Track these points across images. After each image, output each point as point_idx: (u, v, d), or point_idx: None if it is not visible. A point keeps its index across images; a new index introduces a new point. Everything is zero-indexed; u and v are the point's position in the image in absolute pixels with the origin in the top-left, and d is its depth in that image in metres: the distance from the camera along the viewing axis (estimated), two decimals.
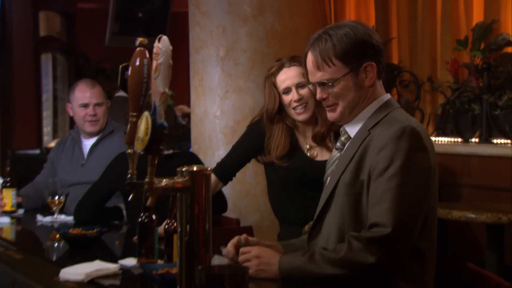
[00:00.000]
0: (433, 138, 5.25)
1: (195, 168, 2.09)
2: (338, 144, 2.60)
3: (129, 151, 2.13)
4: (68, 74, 11.77)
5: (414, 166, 2.34)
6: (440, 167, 4.96)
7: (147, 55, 2.09)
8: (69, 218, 3.79)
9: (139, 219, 2.73)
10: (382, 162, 2.34)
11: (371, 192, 2.37)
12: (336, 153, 2.60)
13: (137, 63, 2.08)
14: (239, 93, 5.00)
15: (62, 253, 3.09)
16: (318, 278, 2.34)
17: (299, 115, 3.49)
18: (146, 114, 2.01)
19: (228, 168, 3.62)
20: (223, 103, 5.01)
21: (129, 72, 2.08)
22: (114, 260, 2.71)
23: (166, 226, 2.66)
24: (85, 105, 4.17)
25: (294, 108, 3.48)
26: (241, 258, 2.45)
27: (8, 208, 3.94)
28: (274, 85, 3.52)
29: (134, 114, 2.10)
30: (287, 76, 3.53)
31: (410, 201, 2.34)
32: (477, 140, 4.95)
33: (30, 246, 3.23)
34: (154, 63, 2.02)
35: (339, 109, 2.50)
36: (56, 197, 3.77)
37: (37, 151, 9.56)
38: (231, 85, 5.01)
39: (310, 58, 2.52)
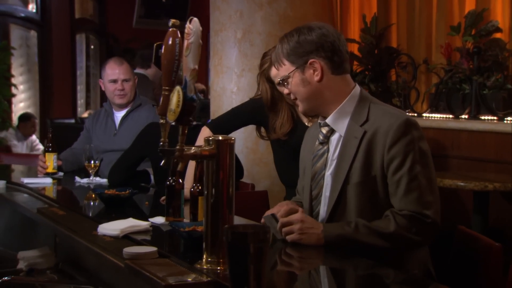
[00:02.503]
0: (426, 115, 5.24)
1: (220, 138, 2.08)
2: (320, 137, 2.52)
3: (161, 121, 2.12)
4: (99, 52, 11.77)
5: (424, 153, 2.37)
6: (433, 140, 4.98)
7: (179, 35, 2.08)
8: (103, 180, 3.79)
9: (167, 183, 2.73)
10: (398, 158, 2.31)
11: (393, 185, 2.34)
12: (321, 147, 2.52)
13: (170, 42, 2.06)
14: (254, 72, 4.94)
15: (98, 211, 3.09)
16: (362, 247, 2.30)
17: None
18: (177, 88, 2.00)
19: (222, 130, 3.47)
20: (239, 80, 5.00)
21: (163, 50, 2.06)
22: (144, 218, 2.71)
23: (192, 189, 2.65)
24: (114, 81, 4.17)
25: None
26: (283, 220, 2.34)
27: (50, 170, 3.95)
28: (268, 79, 3.47)
29: (167, 88, 2.08)
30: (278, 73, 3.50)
31: (431, 184, 2.37)
32: (466, 116, 4.92)
33: (71, 204, 3.23)
34: (186, 42, 2.01)
35: (299, 103, 2.54)
36: (92, 162, 3.77)
37: (72, 121, 9.58)
38: (247, 64, 4.99)
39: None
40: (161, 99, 2.09)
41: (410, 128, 2.36)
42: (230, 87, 5.01)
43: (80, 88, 11.43)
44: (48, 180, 3.79)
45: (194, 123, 3.66)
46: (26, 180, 3.73)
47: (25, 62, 10.37)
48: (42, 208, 3.05)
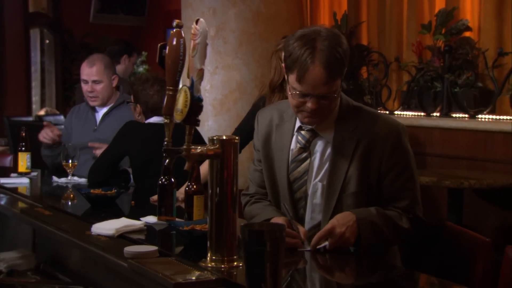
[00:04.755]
0: (398, 112, 5.36)
1: (224, 137, 2.15)
2: (302, 141, 2.51)
3: (165, 121, 2.16)
4: (54, 48, 11.64)
5: (412, 155, 2.51)
6: None
7: (183, 35, 2.13)
8: (82, 180, 3.81)
9: (159, 181, 2.76)
10: (398, 166, 2.43)
11: (388, 186, 2.45)
12: (302, 152, 2.51)
13: (174, 43, 2.11)
14: (227, 69, 5.05)
15: (84, 211, 3.11)
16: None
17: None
18: (185, 88, 2.06)
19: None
20: (213, 78, 5.07)
21: (167, 50, 2.11)
22: (135, 217, 2.75)
23: (187, 188, 2.70)
24: (85, 81, 4.18)
25: None
26: (320, 234, 2.33)
27: (23, 169, 3.95)
28: (280, 59, 3.60)
29: (171, 88, 2.14)
30: None
31: (418, 185, 2.53)
32: (438, 114, 5.06)
33: (55, 204, 3.24)
34: (192, 43, 2.06)
35: (323, 116, 2.45)
36: (70, 161, 3.78)
37: (30, 118, 9.49)
38: (220, 62, 5.07)
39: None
40: (165, 99, 2.13)
41: (405, 135, 2.50)
42: (203, 85, 4.94)
43: (35, 85, 11.29)
44: (25, 180, 3.80)
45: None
46: (3, 180, 3.72)
47: None
48: (25, 208, 3.07)
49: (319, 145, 2.50)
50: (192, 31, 2.06)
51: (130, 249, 2.26)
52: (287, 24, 5.10)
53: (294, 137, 2.54)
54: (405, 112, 5.30)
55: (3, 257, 3.36)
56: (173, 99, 2.12)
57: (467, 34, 5.09)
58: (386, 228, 2.39)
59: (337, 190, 2.45)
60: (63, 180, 3.79)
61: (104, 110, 4.26)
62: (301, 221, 2.53)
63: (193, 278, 2.00)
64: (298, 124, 2.53)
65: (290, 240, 2.34)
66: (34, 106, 11.15)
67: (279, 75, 3.67)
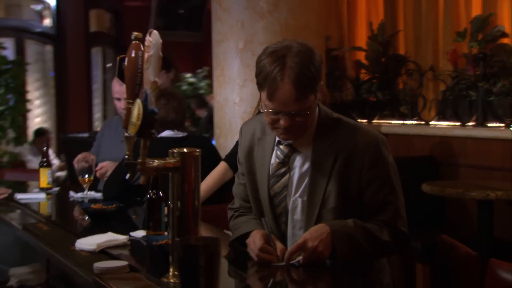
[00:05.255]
0: (434, 122, 5.21)
1: (185, 150, 2.10)
2: (281, 156, 2.42)
3: (126, 134, 2.13)
4: None
5: (395, 169, 2.42)
6: (439, 148, 4.95)
7: (142, 47, 2.09)
8: (98, 195, 3.81)
9: (147, 196, 2.74)
10: (379, 179, 2.33)
11: (369, 200, 2.35)
12: (281, 167, 2.43)
13: (133, 55, 2.08)
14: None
15: (84, 225, 3.11)
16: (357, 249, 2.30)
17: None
18: (138, 101, 2.02)
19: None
20: (242, 91, 5.02)
21: (125, 63, 2.08)
22: (125, 232, 2.72)
23: (148, 196, 2.67)
24: (118, 99, 4.17)
25: None
26: (292, 249, 2.24)
27: (44, 185, 3.99)
28: None
29: (130, 101, 2.10)
30: None
31: (402, 198, 2.41)
32: (473, 123, 4.88)
33: (58, 219, 3.26)
34: (146, 55, 2.03)
35: (300, 132, 2.37)
36: (86, 176, 3.79)
37: (86, 135, 9.69)
38: (249, 74, 5.00)
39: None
40: (125, 112, 2.10)
41: (385, 146, 2.39)
42: (232, 98, 5.04)
43: (97, 102, 11.54)
44: (42, 196, 3.83)
45: (183, 134, 3.72)
46: (19, 196, 3.77)
47: (41, 76, 10.52)
48: (28, 224, 3.09)
49: (298, 160, 2.42)
50: (146, 43, 2.02)
51: (100, 264, 2.23)
52: (316, 35, 5.02)
53: (274, 152, 2.47)
54: (440, 122, 5.14)
55: (14, 272, 3.39)
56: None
57: (504, 40, 4.91)
58: (364, 240, 2.29)
59: (317, 205, 2.37)
60: (79, 195, 3.81)
61: None
62: (283, 237, 2.45)
63: None
64: (277, 138, 2.46)
65: (266, 256, 2.27)
66: (96, 123, 11.39)
67: None
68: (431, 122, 5.19)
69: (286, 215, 2.44)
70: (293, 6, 4.96)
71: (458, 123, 4.98)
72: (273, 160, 2.46)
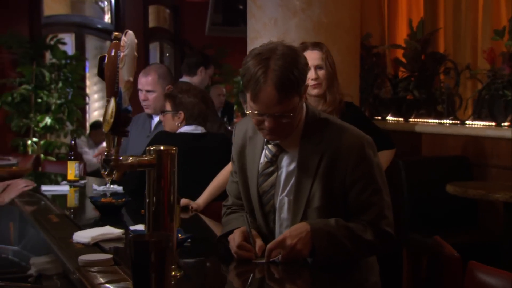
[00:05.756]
0: (469, 122, 5.11)
1: (162, 148, 2.13)
2: (269, 155, 2.44)
3: (106, 132, 2.17)
4: (174, 60, 12.03)
5: (382, 169, 2.42)
6: (472, 149, 4.85)
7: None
8: (120, 188, 3.89)
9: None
10: (362, 179, 2.35)
11: (353, 200, 2.36)
12: (269, 166, 2.45)
13: (112, 54, 2.12)
14: None
15: (92, 218, 3.19)
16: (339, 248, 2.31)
17: (314, 89, 3.71)
18: (112, 99, 2.06)
19: None
20: None
21: (105, 61, 2.13)
22: (126, 226, 2.78)
23: None
24: (140, 90, 4.29)
25: (310, 85, 3.69)
26: (271, 246, 2.27)
27: (71, 177, 4.10)
28: None
29: (109, 99, 2.15)
30: (309, 57, 3.68)
31: (390, 199, 2.41)
32: (508, 124, 4.78)
33: (70, 212, 3.35)
34: (121, 55, 2.07)
35: (285, 134, 2.39)
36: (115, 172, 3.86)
37: None
38: None
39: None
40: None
41: (370, 147, 2.40)
42: None
43: None
44: (65, 188, 3.94)
45: (201, 131, 3.77)
46: (44, 188, 3.88)
47: None
48: (39, 215, 3.18)
49: (285, 160, 2.44)
50: (121, 43, 2.06)
51: (84, 257, 2.29)
52: (349, 33, 4.98)
53: (263, 151, 2.49)
54: (475, 122, 5.04)
55: (34, 262, 3.49)
56: None
57: None
58: (346, 239, 2.30)
59: (302, 204, 2.39)
60: (101, 188, 3.89)
61: (158, 118, 4.35)
62: (272, 234, 2.48)
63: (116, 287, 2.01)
64: None
65: (244, 253, 2.31)
66: None
67: None
68: (466, 122, 5.09)
69: (274, 213, 2.47)
70: (326, 3, 4.93)
71: (493, 123, 4.87)
72: (262, 159, 2.48)
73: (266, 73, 2.22)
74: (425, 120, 5.54)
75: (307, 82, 3.71)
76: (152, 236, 1.79)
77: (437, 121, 5.40)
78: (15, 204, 3.54)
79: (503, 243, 3.95)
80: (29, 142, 8.86)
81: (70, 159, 4.11)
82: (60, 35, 9.46)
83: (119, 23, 10.86)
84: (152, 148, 2.13)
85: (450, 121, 5.26)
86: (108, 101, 2.13)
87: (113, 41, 2.14)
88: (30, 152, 8.78)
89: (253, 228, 2.43)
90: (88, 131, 9.68)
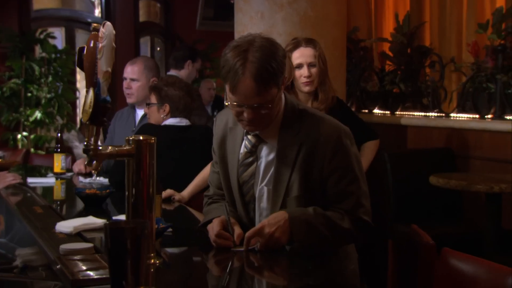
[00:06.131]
0: (454, 114, 5.15)
1: (141, 138, 2.16)
2: (249, 145, 2.48)
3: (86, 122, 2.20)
4: (165, 54, 12.04)
5: (358, 159, 2.47)
6: (457, 141, 4.90)
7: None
8: (105, 180, 3.92)
9: None
10: (340, 169, 2.39)
11: (331, 189, 2.40)
12: (249, 156, 2.48)
13: (91, 45, 2.15)
14: None
15: (77, 209, 3.21)
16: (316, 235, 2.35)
17: (306, 86, 3.81)
18: (91, 89, 2.09)
19: None
20: None
21: (84, 53, 2.15)
22: (109, 216, 2.81)
23: None
24: (124, 78, 4.33)
25: (302, 82, 3.81)
26: (249, 234, 2.31)
27: (58, 170, 4.12)
28: (289, 59, 3.76)
29: (87, 89, 2.17)
30: (302, 54, 3.80)
31: (367, 189, 2.47)
32: (491, 116, 4.82)
33: (56, 203, 3.38)
34: (99, 46, 2.10)
35: (264, 124, 2.42)
36: (94, 161, 3.88)
37: None
38: None
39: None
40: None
41: (348, 137, 2.45)
42: None
43: None
44: (52, 180, 3.96)
45: (186, 123, 3.79)
46: (30, 180, 3.90)
47: None
48: (23, 207, 3.20)
49: (264, 150, 2.48)
50: (100, 34, 2.09)
51: (66, 246, 2.33)
52: (335, 27, 5.00)
53: (243, 141, 2.53)
54: (460, 115, 5.08)
55: (19, 253, 3.51)
56: None
57: None
58: (323, 227, 2.34)
59: (281, 194, 2.43)
60: (87, 180, 3.92)
61: (143, 111, 4.38)
62: (252, 223, 2.52)
63: (93, 275, 2.03)
64: None
65: (222, 242, 2.35)
66: None
67: (289, 75, 3.76)
68: (451, 115, 5.13)
69: (254, 203, 2.51)
70: None
71: (477, 116, 4.91)
72: (242, 149, 2.52)
73: (245, 65, 2.26)
74: (411, 113, 5.58)
75: (300, 80, 3.80)
76: (128, 223, 1.82)
77: (422, 114, 5.44)
78: (1, 197, 3.56)
79: (485, 234, 3.99)
80: (19, 136, 8.86)
81: (57, 152, 4.14)
82: (50, 29, 9.46)
83: (110, 17, 10.85)
84: (131, 138, 2.15)
85: (436, 114, 5.30)
86: (87, 92, 2.16)
87: (92, 32, 2.17)
88: (20, 146, 8.79)
89: (233, 218, 2.48)
90: (78, 125, 9.69)
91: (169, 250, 2.48)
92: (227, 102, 2.38)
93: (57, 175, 4.10)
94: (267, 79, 2.28)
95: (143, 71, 4.36)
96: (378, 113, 5.88)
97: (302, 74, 3.81)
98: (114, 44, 2.10)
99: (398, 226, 4.60)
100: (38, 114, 8.83)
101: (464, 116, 5.04)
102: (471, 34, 5.18)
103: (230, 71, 2.29)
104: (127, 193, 2.15)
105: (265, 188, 2.47)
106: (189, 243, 2.56)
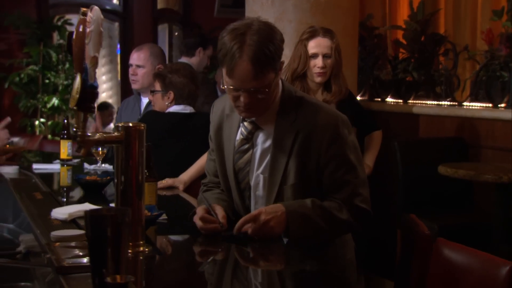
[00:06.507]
0: (467, 104, 5.07)
1: (130, 124, 2.14)
2: (245, 132, 2.45)
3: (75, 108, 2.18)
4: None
5: (356, 147, 2.43)
6: (469, 130, 4.82)
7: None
8: (110, 167, 3.90)
9: None
10: (337, 157, 2.35)
11: (328, 178, 2.37)
12: (245, 143, 2.45)
13: (80, 30, 2.12)
14: (285, 61, 4.97)
15: (76, 196, 3.20)
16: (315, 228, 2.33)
17: (318, 76, 3.80)
18: (79, 75, 2.06)
19: None
20: None
21: (74, 37, 2.13)
22: (106, 203, 2.80)
23: None
24: (130, 65, 4.34)
25: (315, 72, 3.81)
26: (246, 218, 2.29)
27: (64, 156, 4.11)
28: (306, 47, 3.79)
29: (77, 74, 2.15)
30: (318, 44, 3.80)
31: (365, 177, 2.45)
32: (504, 105, 4.74)
33: (57, 190, 3.37)
34: (87, 31, 2.07)
35: (262, 109, 2.39)
36: (100, 148, 3.87)
37: None
38: None
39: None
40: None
41: (345, 126, 2.40)
42: None
43: None
44: (56, 166, 3.96)
45: (190, 111, 3.76)
46: (35, 166, 3.90)
47: (107, 53, 10.75)
48: (24, 193, 3.20)
49: (260, 137, 2.45)
50: (87, 19, 2.06)
51: (57, 233, 2.31)
52: (347, 14, 4.94)
53: (239, 128, 2.49)
54: (472, 103, 5.00)
55: (22, 239, 3.52)
56: None
57: None
58: (321, 219, 2.31)
59: (277, 182, 2.40)
60: (92, 167, 3.91)
61: (148, 98, 4.36)
62: (248, 211, 2.49)
63: (79, 262, 2.02)
64: None
65: (209, 226, 2.34)
66: None
67: (303, 64, 3.76)
68: (464, 103, 5.05)
69: (250, 191, 2.48)
70: None
71: (490, 105, 4.83)
72: (238, 136, 2.49)
73: (242, 48, 2.22)
74: (423, 102, 5.50)
75: (313, 70, 3.78)
76: (109, 210, 1.79)
77: (435, 102, 5.36)
78: (7, 183, 3.57)
79: (494, 223, 3.94)
80: (36, 122, 8.90)
81: (63, 138, 4.12)
82: (68, 16, 9.47)
83: (127, 4, 10.85)
84: (120, 125, 2.13)
85: (448, 103, 5.22)
86: (75, 77, 2.13)
87: (81, 17, 2.14)
88: (37, 132, 8.83)
89: (229, 206, 2.46)
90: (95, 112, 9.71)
91: (163, 238, 2.46)
92: (224, 86, 2.35)
93: (63, 162, 4.09)
94: (265, 63, 2.24)
95: (148, 58, 4.35)
96: (391, 101, 5.81)
97: (316, 64, 3.81)
98: (102, 29, 2.07)
99: (406, 215, 4.53)
100: (55, 101, 8.86)
101: (477, 105, 4.96)
102: (486, 21, 5.09)
103: (227, 54, 2.25)
104: (116, 180, 2.13)
105: (261, 176, 2.43)
106: (183, 231, 2.53)
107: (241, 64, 2.23)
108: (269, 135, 2.42)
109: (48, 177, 3.71)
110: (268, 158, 2.42)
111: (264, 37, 2.25)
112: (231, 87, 2.30)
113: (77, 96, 2.04)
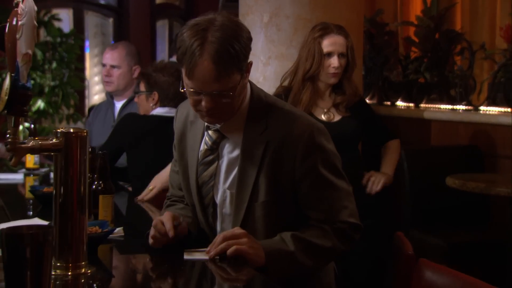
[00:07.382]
0: (483, 108, 4.97)
1: (71, 130, 2.06)
2: (209, 142, 2.35)
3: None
4: None
5: (336, 157, 2.34)
6: (484, 137, 4.71)
7: None
8: None
9: (92, 186, 2.70)
10: (313, 171, 2.27)
11: (304, 195, 2.29)
12: (209, 154, 2.36)
13: (14, 23, 2.05)
14: (281, 60, 4.89)
15: (35, 210, 3.14)
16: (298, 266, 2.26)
17: (332, 77, 3.80)
18: (9, 75, 1.99)
19: None
20: (266, 69, 4.92)
21: (6, 31, 2.05)
22: None
23: (93, 187, 2.64)
24: (104, 65, 4.28)
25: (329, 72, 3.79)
26: (227, 233, 2.20)
27: (30, 165, 4.06)
28: (320, 44, 3.77)
29: (12, 75, 2.08)
30: (334, 42, 3.81)
31: (349, 188, 2.37)
32: None
33: (12, 202, 3.31)
34: (18, 24, 1.99)
35: (225, 115, 2.30)
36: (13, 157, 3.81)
37: None
38: (273, 51, 4.91)
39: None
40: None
41: (322, 135, 2.31)
42: (255, 76, 4.93)
43: None
44: (19, 177, 3.90)
45: None
46: None
47: (100, 52, 10.70)
48: None
49: (227, 148, 2.35)
50: (19, 11, 1.99)
51: None
52: (350, 9, 4.84)
53: (204, 137, 2.40)
54: (490, 108, 4.89)
55: None
56: None
57: None
58: (306, 258, 2.24)
59: (246, 198, 2.30)
60: None
61: (122, 102, 4.30)
62: (211, 230, 2.43)
63: None
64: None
65: (158, 234, 2.28)
66: None
67: (318, 63, 3.76)
68: (480, 108, 4.94)
69: (214, 207, 2.40)
70: None
71: (509, 109, 4.72)
72: (202, 146, 2.40)
73: (203, 46, 2.12)
74: (436, 106, 5.39)
75: (327, 70, 3.71)
76: (29, 228, 1.71)
77: (449, 106, 5.25)
78: None
79: (508, 241, 3.83)
80: (20, 127, 8.85)
81: None
82: (57, 11, 9.43)
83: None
84: (59, 130, 2.06)
85: (464, 107, 5.11)
86: (5, 77, 2.06)
87: (15, 9, 2.06)
88: (21, 138, 8.76)
89: (194, 222, 2.41)
90: (86, 116, 9.67)
91: (116, 257, 2.39)
92: (183, 89, 2.26)
93: (29, 171, 4.03)
94: (228, 62, 2.14)
95: (124, 58, 4.29)
96: (401, 105, 5.70)
97: (331, 64, 3.74)
98: (35, 23, 1.99)
99: (412, 232, 4.45)
100: (41, 104, 8.81)
101: (494, 109, 4.85)
102: (506, 16, 4.98)
103: (186, 53, 2.15)
104: (54, 192, 2.06)
105: (228, 192, 2.34)
106: (138, 250, 2.44)
107: (202, 64, 2.13)
108: (236, 145, 2.32)
109: (7, 189, 3.65)
110: (235, 171, 2.32)
111: (228, 33, 2.15)
112: (191, 89, 2.21)
113: (6, 98, 1.97)
